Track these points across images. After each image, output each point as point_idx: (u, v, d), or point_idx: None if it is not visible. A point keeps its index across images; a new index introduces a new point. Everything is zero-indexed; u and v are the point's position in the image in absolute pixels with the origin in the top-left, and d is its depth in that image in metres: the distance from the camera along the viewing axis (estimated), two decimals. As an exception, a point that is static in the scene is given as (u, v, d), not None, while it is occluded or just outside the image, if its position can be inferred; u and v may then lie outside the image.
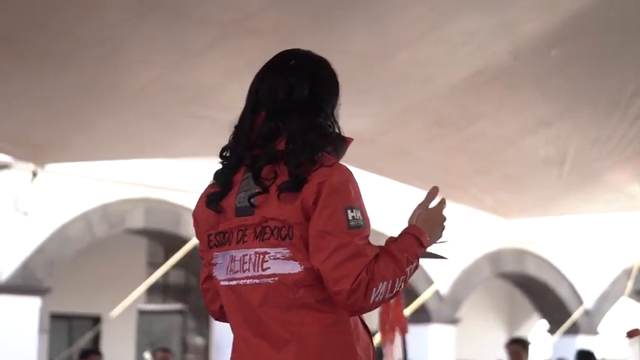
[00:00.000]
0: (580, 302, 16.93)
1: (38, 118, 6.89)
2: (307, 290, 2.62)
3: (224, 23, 5.78)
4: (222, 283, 2.75)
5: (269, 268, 2.64)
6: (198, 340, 15.68)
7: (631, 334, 8.41)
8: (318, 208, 2.60)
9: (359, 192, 2.68)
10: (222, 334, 14.68)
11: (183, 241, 10.70)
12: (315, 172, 2.65)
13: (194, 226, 2.86)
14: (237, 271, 2.69)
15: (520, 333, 18.47)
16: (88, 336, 13.20)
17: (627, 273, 15.68)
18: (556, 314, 16.75)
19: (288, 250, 2.63)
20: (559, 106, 7.37)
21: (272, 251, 2.64)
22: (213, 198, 2.77)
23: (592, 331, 17.18)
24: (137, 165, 11.72)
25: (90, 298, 14.48)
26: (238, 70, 6.35)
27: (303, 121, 2.72)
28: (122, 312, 10.47)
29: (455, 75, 6.64)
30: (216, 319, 2.92)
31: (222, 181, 2.78)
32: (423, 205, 2.79)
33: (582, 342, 16.07)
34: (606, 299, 17.39)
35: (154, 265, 13.46)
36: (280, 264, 2.63)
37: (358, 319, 2.73)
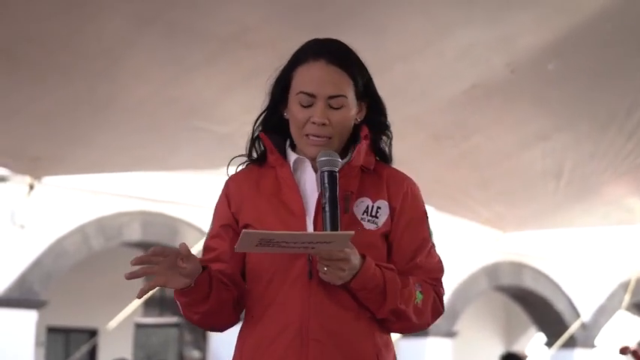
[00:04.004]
0: (577, 315, 16.92)
1: (35, 131, 6.89)
2: None
3: (222, 37, 5.79)
4: None
5: None
6: (195, 354, 15.66)
7: (623, 350, 8.41)
8: None
9: None
10: (219, 347, 14.66)
11: (180, 254, 10.67)
12: None
13: None
14: None
15: (517, 346, 18.47)
16: (84, 349, 13.19)
17: (624, 286, 15.68)
18: (553, 327, 16.74)
19: None
20: (556, 119, 7.38)
21: None
22: None
23: (589, 344, 17.16)
24: (133, 178, 11.72)
25: (86, 312, 14.46)
26: (235, 84, 6.37)
27: None
28: (119, 325, 10.44)
29: (452, 88, 6.65)
30: None
31: None
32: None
33: (580, 355, 16.05)
34: (603, 312, 17.38)
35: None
36: None
37: None
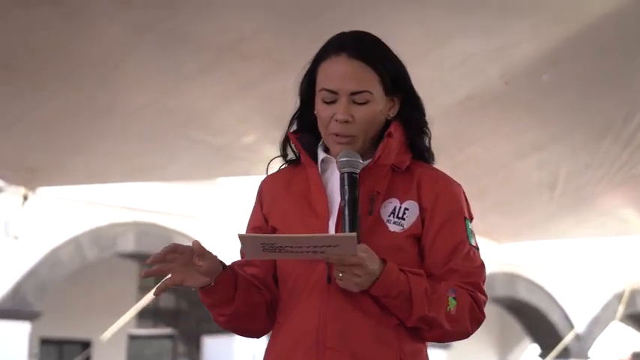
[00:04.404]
0: (571, 326, 16.92)
1: (31, 142, 6.88)
2: None
3: (218, 47, 5.79)
4: None
5: None
6: (189, 365, 15.62)
7: None
8: None
9: None
10: (213, 358, 14.62)
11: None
12: None
13: None
14: None
15: (512, 357, 18.46)
16: (77, 361, 13.15)
17: (618, 297, 15.69)
18: (547, 338, 16.74)
19: None
20: (551, 130, 7.38)
21: None
22: None
23: (583, 355, 17.17)
24: (128, 189, 11.70)
25: (80, 323, 14.43)
26: (231, 95, 6.36)
27: None
28: (112, 336, 10.42)
29: (448, 98, 6.65)
30: None
31: None
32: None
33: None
34: (597, 324, 17.39)
35: (144, 289, 13.42)
36: None
37: None
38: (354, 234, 2.40)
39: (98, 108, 6.38)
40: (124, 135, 6.83)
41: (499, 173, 7.83)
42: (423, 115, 2.71)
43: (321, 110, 2.60)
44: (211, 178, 9.63)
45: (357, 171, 2.54)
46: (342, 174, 2.53)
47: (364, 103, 2.58)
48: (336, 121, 2.57)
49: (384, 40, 2.70)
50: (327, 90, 2.59)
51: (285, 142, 2.70)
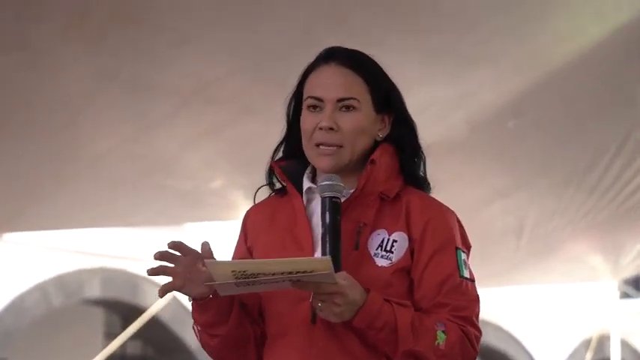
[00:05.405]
0: (540, 373, 16.90)
1: (-5, 187, 6.85)
2: None
3: (183, 92, 5.79)
4: None
5: None
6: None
7: None
8: None
9: None
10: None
11: (141, 311, 10.57)
12: None
13: None
14: None
15: (480, 404, 18.36)
16: (43, 409, 12.97)
17: (586, 344, 15.69)
18: (516, 385, 16.70)
19: None
20: (516, 176, 7.41)
21: None
22: None
23: (552, 402, 17.14)
24: (93, 234, 11.63)
25: (46, 371, 14.25)
26: (198, 139, 6.36)
27: None
28: (78, 384, 10.30)
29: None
30: None
31: None
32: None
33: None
34: (566, 370, 17.38)
35: (110, 336, 13.28)
36: None
37: None
38: (328, 257, 2.26)
39: (62, 154, 6.35)
40: (88, 181, 6.79)
41: (464, 220, 7.84)
42: (417, 138, 2.57)
43: (306, 121, 2.46)
44: (179, 223, 9.59)
45: (339, 195, 2.38)
46: (322, 199, 2.38)
47: (350, 111, 2.44)
48: (321, 129, 2.43)
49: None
50: (313, 97, 2.46)
51: (271, 172, 2.54)
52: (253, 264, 2.30)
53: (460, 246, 2.47)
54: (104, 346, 11.73)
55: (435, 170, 8.48)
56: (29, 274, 11.83)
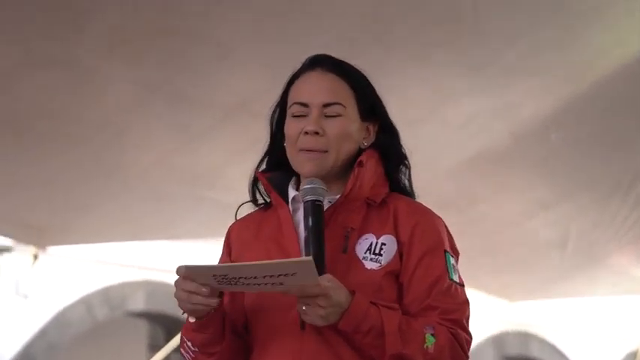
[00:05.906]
0: (585, 386, 16.76)
1: (40, 201, 6.91)
2: None
3: (226, 106, 5.82)
4: None
5: None
6: None
7: None
8: None
9: None
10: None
11: (184, 324, 10.63)
12: None
13: None
14: None
15: (525, 418, 18.22)
16: (87, 421, 13.05)
17: (632, 356, 15.56)
18: (561, 399, 16.57)
19: None
20: (559, 189, 7.38)
21: None
22: None
23: (597, 416, 16.98)
24: (138, 247, 11.70)
25: (90, 383, 14.33)
26: (240, 152, 6.38)
27: None
28: (122, 397, 10.36)
29: (456, 156, 6.65)
30: None
31: None
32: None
33: None
34: (611, 383, 17.22)
35: (154, 349, 13.34)
36: None
37: None
38: (310, 258, 2.21)
39: (106, 167, 6.41)
40: (131, 194, 6.84)
41: (508, 231, 7.81)
42: (401, 147, 2.57)
43: (290, 127, 2.45)
44: (219, 237, 9.63)
45: (321, 198, 2.36)
46: (305, 203, 2.37)
47: (336, 117, 2.43)
48: (306, 133, 2.42)
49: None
50: (298, 103, 2.46)
51: (254, 185, 2.55)
52: (234, 268, 2.28)
53: (449, 250, 2.46)
54: (148, 359, 11.79)
55: (479, 182, 8.47)
56: (74, 287, 11.91)
